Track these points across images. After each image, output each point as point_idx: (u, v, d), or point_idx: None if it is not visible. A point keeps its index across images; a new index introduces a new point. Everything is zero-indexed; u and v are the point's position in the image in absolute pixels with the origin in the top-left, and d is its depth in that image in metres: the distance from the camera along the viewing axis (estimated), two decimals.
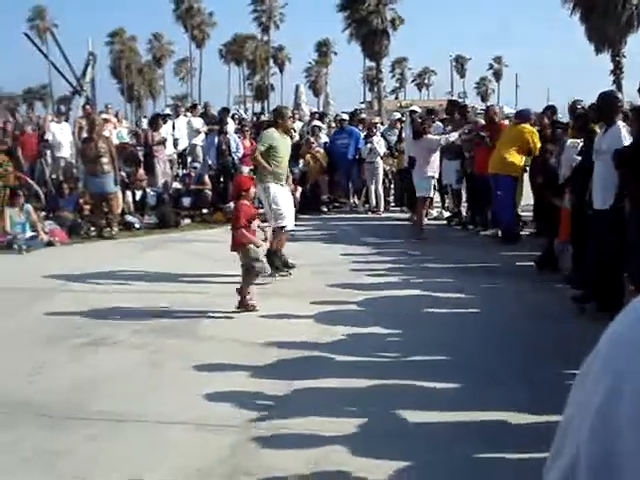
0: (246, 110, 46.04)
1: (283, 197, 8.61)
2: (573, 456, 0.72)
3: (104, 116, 15.91)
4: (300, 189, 13.81)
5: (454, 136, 11.33)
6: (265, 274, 7.09)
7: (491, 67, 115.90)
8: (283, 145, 8.64)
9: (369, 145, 14.32)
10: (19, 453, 4.07)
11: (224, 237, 7.07)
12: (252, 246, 6.94)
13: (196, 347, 6.04)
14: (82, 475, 3.82)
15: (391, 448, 4.03)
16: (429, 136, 11.26)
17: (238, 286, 7.03)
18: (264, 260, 7.05)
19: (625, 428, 0.67)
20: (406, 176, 13.87)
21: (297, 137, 15.48)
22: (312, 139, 15.08)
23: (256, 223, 7.19)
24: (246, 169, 14.27)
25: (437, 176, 11.72)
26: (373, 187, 14.60)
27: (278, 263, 8.47)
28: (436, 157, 11.37)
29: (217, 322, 6.77)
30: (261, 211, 9.87)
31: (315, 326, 6.55)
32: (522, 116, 11.02)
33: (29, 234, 11.06)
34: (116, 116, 17.72)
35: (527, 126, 10.55)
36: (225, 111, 16.47)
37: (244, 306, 6.90)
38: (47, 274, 8.84)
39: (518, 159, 10.44)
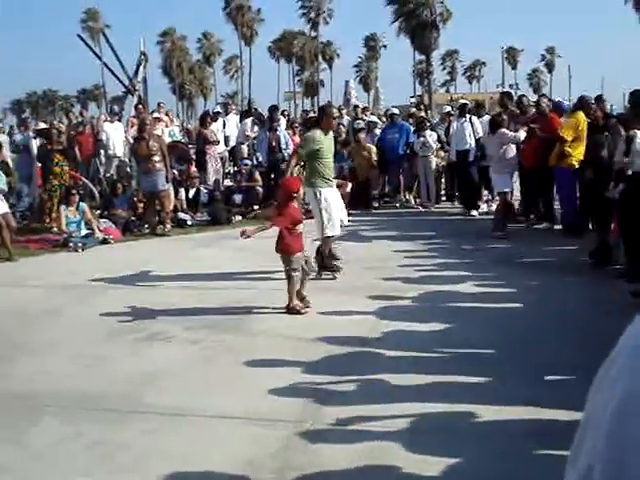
0: (296, 106, 46.16)
1: (333, 202, 8.27)
2: (590, 460, 0.71)
3: (155, 115, 16.13)
4: (350, 185, 13.80)
5: (523, 133, 11.07)
6: (300, 281, 7.00)
7: (543, 58, 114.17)
8: (328, 145, 8.36)
9: (422, 139, 14.22)
10: (78, 445, 4.18)
11: (275, 234, 7.09)
12: (296, 254, 6.91)
13: (248, 342, 6.09)
14: (138, 467, 3.90)
15: (443, 444, 4.01)
16: (503, 130, 10.96)
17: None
18: (300, 270, 6.97)
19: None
20: (457, 170, 13.83)
21: (344, 134, 15.45)
22: (363, 136, 15.04)
23: (301, 227, 7.15)
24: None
25: (515, 170, 11.41)
26: (425, 181, 14.52)
27: (328, 263, 8.41)
28: (511, 152, 11.01)
29: (268, 318, 6.82)
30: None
31: (366, 321, 6.55)
32: (579, 102, 10.76)
33: (84, 232, 11.30)
34: (167, 115, 17.91)
35: (579, 113, 10.32)
36: (274, 108, 16.53)
37: (290, 310, 6.91)
38: (102, 271, 9.02)
39: (577, 150, 10.17)
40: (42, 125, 17.20)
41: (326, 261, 8.34)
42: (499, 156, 10.90)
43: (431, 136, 14.23)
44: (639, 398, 0.69)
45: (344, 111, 18.48)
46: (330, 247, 8.47)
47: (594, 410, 0.75)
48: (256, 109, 18.94)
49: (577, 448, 0.76)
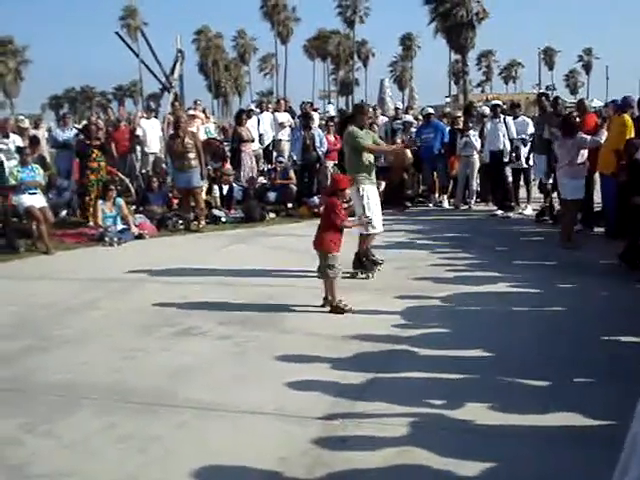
0: (328, 102, 46.10)
1: (375, 200, 8.31)
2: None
3: (191, 112, 16.24)
4: (383, 184, 13.78)
5: (604, 134, 10.21)
6: (335, 278, 6.98)
7: (581, 59, 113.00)
8: (370, 141, 8.33)
9: (465, 139, 14.12)
10: (111, 437, 4.23)
11: (309, 231, 7.12)
12: (332, 253, 6.91)
13: (280, 339, 6.12)
14: (170, 461, 3.94)
15: (475, 445, 4.00)
16: (582, 135, 9.98)
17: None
18: (338, 267, 6.97)
19: None
20: (490, 171, 13.72)
21: (382, 133, 15.42)
22: (399, 140, 15.01)
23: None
24: (330, 164, 14.38)
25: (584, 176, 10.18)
26: (464, 181, 14.41)
27: (366, 263, 8.37)
28: (584, 157, 10.02)
29: (301, 315, 6.84)
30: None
31: (397, 320, 6.54)
32: (623, 104, 10.53)
33: (120, 227, 11.42)
34: (204, 112, 18.01)
35: (625, 116, 10.16)
36: (308, 105, 16.59)
37: (333, 308, 6.90)
38: (137, 266, 9.12)
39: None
40: (85, 123, 17.42)
41: (363, 260, 8.34)
42: (570, 160, 9.94)
43: (475, 136, 14.10)
44: None
45: (378, 111, 18.41)
46: (368, 246, 8.47)
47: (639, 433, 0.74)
48: (290, 107, 19.00)
49: (626, 461, 0.76)
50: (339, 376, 5.13)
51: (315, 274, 7.04)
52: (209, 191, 13.56)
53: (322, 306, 6.98)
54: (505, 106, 15.15)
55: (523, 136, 13.25)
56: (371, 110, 16.79)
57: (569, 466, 3.77)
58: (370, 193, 8.24)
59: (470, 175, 14.29)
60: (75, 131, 15.14)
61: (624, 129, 9.99)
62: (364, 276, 8.31)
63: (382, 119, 17.07)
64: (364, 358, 5.54)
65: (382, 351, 5.71)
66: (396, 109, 17.67)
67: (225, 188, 13.77)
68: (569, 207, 10.24)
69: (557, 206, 12.23)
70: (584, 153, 9.98)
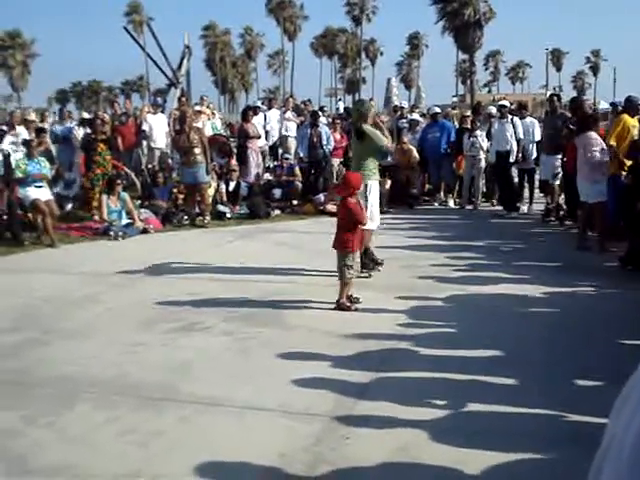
0: (338, 100, 46.01)
1: (377, 197, 8.38)
2: None
3: (197, 108, 16.24)
4: (389, 182, 13.78)
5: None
6: (351, 279, 6.98)
7: (588, 60, 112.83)
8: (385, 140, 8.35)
9: (472, 139, 14.07)
10: (113, 431, 4.22)
11: (314, 228, 7.12)
12: (350, 252, 6.89)
13: (283, 336, 6.11)
14: (172, 455, 3.93)
15: (476, 443, 3.97)
16: (592, 134, 9.64)
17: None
18: (354, 267, 6.96)
19: None
20: (496, 171, 13.69)
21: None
22: (406, 139, 14.99)
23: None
24: (336, 161, 14.38)
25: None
26: (469, 181, 14.37)
27: (366, 260, 8.36)
28: (599, 155, 9.55)
29: (305, 312, 6.83)
30: None
31: (401, 319, 6.52)
32: (627, 104, 10.50)
33: (125, 221, 11.43)
34: (208, 107, 18.02)
35: (622, 116, 10.11)
36: (309, 103, 16.69)
37: (339, 305, 6.90)
38: (141, 260, 9.12)
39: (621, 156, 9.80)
40: (85, 115, 17.41)
41: (365, 259, 8.32)
42: (586, 160, 9.60)
43: (481, 136, 14.05)
44: None
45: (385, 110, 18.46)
46: (367, 243, 8.43)
47: (615, 434, 0.73)
48: (297, 104, 19.06)
49: (597, 473, 0.74)
50: (342, 374, 5.12)
51: (318, 271, 7.04)
52: (217, 187, 13.55)
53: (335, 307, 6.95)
54: (513, 106, 15.11)
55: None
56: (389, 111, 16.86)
57: (573, 468, 3.74)
58: (376, 189, 8.29)
59: (476, 175, 14.26)
60: (74, 124, 15.13)
61: (619, 128, 9.88)
62: (365, 275, 8.26)
63: (387, 118, 17.09)
64: (367, 356, 5.52)
65: (385, 349, 5.70)
66: (401, 108, 17.66)
67: (231, 184, 13.76)
68: (588, 210, 9.80)
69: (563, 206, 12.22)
70: (602, 152, 9.60)
